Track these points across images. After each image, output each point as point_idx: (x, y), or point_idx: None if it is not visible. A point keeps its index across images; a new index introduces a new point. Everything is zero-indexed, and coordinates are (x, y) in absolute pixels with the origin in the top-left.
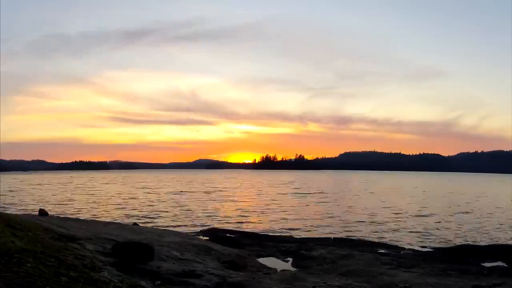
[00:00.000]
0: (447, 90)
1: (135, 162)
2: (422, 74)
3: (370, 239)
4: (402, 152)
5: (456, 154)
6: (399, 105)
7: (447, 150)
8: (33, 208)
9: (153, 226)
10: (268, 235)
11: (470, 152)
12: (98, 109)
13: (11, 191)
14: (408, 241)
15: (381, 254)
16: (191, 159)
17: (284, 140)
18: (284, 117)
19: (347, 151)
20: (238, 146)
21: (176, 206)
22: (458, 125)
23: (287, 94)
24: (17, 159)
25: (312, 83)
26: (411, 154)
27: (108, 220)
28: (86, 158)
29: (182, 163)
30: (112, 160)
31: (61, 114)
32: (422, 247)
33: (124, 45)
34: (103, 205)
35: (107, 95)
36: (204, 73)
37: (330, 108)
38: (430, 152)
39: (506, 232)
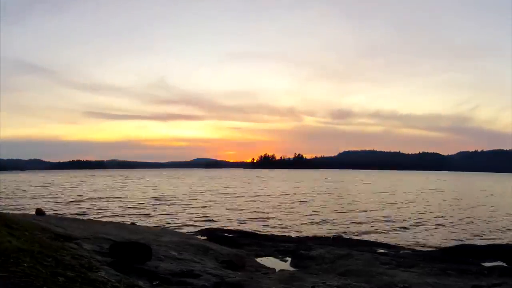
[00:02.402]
0: (468, 75)
1: (133, 161)
2: (443, 54)
3: (369, 238)
4: (401, 151)
5: (455, 153)
6: (409, 94)
7: (447, 149)
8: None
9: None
10: (267, 234)
11: (470, 151)
12: (71, 104)
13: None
14: (408, 241)
15: (380, 253)
16: (186, 157)
17: (279, 137)
18: (274, 110)
19: (346, 149)
20: (232, 143)
21: None
22: (471, 120)
23: (275, 79)
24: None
25: (304, 60)
26: (410, 153)
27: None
28: (70, 158)
29: (180, 162)
30: (109, 159)
31: (30, 109)
32: (422, 246)
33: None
34: None
35: (74, 86)
36: (174, 53)
37: (326, 97)
38: (429, 151)
39: (506, 232)
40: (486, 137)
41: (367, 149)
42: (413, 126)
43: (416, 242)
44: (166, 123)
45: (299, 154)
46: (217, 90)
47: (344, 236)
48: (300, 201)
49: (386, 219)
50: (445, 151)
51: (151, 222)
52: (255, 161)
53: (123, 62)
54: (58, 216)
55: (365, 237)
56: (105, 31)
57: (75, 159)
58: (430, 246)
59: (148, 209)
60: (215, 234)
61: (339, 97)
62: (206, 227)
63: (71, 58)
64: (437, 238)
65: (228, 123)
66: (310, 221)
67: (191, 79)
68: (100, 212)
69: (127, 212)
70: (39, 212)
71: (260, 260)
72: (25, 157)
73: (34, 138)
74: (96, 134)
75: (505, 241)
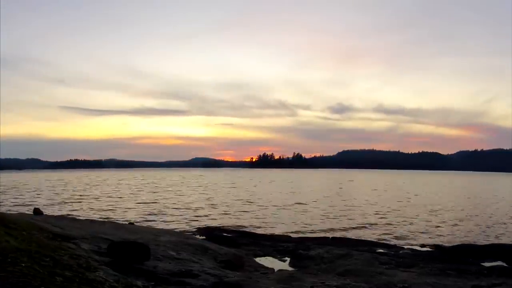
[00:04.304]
0: (485, 61)
1: (131, 161)
2: (457, 37)
3: (368, 238)
4: (401, 151)
5: (455, 152)
6: (416, 85)
7: (446, 148)
8: None
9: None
10: (266, 234)
11: (470, 150)
12: (44, 99)
13: None
14: (407, 241)
15: (380, 253)
16: (183, 157)
17: (275, 134)
18: (266, 104)
19: (346, 149)
20: (227, 142)
21: None
22: (486, 114)
23: (264, 65)
24: None
25: (299, 44)
26: (410, 152)
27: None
28: (61, 157)
29: (179, 161)
30: (107, 158)
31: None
32: (421, 246)
33: None
34: None
35: (41, 79)
36: (150, 39)
37: (324, 88)
38: (429, 151)
39: (506, 232)
40: (501, 134)
41: (367, 149)
42: (420, 122)
43: (416, 242)
44: (151, 119)
45: (298, 154)
46: (200, 80)
47: (343, 236)
48: (298, 202)
49: (385, 219)
50: (445, 151)
51: (150, 222)
52: (254, 160)
53: (93, 52)
54: (56, 215)
55: (364, 237)
56: (67, 17)
57: (70, 158)
58: (429, 246)
59: None
60: (213, 234)
61: (338, 89)
62: (204, 226)
63: (34, 48)
64: (437, 238)
65: (218, 118)
66: (309, 220)
67: (170, 68)
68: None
69: None
70: (37, 211)
71: (259, 260)
72: (20, 156)
73: (15, 136)
74: (80, 132)
75: (505, 241)
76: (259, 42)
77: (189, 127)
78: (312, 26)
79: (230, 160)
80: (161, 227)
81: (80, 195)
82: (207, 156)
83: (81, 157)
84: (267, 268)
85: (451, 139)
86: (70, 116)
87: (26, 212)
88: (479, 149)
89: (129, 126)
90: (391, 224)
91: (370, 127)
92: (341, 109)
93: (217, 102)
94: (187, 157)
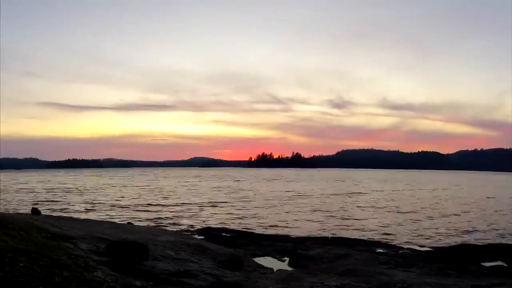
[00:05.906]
0: (499, 49)
1: (129, 160)
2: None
3: (368, 238)
4: (400, 150)
5: (455, 152)
6: (424, 77)
7: (446, 148)
8: None
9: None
10: (264, 234)
11: (470, 150)
12: (18, 94)
13: None
14: (407, 241)
15: (379, 253)
16: (181, 156)
17: (272, 132)
18: (259, 98)
19: (345, 148)
20: (224, 140)
21: None
22: (498, 110)
23: (254, 51)
24: None
25: (295, 33)
26: (409, 152)
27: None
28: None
29: (177, 161)
30: (105, 158)
31: None
32: (421, 246)
33: None
34: None
35: (11, 71)
36: (126, 24)
37: (322, 77)
38: (428, 150)
39: (506, 232)
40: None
41: (368, 147)
42: (428, 118)
43: (415, 242)
44: (136, 115)
45: (297, 153)
46: (185, 71)
47: (343, 235)
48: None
49: (385, 219)
50: (445, 150)
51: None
52: (253, 160)
53: (67, 42)
54: (54, 215)
55: (363, 237)
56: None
57: (64, 158)
58: (429, 246)
59: None
60: (212, 234)
61: (337, 79)
62: (203, 226)
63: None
64: (436, 238)
65: (208, 114)
66: (308, 220)
67: (152, 59)
68: None
69: None
70: (35, 211)
71: (257, 260)
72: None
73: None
74: (67, 130)
75: (505, 241)
76: (248, 25)
77: (177, 123)
78: (307, 5)
79: (229, 159)
80: (160, 227)
81: (79, 195)
82: (204, 155)
83: (76, 156)
84: (266, 268)
85: (457, 137)
86: (51, 113)
87: (24, 212)
88: (479, 149)
89: (115, 123)
90: (390, 224)
91: (373, 124)
92: (341, 103)
93: (205, 96)
94: (183, 156)
